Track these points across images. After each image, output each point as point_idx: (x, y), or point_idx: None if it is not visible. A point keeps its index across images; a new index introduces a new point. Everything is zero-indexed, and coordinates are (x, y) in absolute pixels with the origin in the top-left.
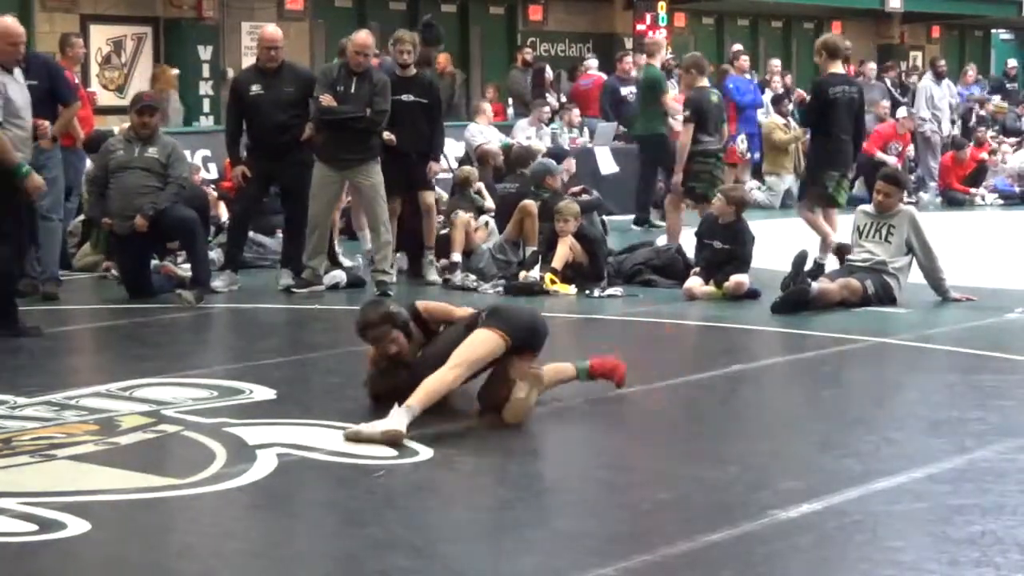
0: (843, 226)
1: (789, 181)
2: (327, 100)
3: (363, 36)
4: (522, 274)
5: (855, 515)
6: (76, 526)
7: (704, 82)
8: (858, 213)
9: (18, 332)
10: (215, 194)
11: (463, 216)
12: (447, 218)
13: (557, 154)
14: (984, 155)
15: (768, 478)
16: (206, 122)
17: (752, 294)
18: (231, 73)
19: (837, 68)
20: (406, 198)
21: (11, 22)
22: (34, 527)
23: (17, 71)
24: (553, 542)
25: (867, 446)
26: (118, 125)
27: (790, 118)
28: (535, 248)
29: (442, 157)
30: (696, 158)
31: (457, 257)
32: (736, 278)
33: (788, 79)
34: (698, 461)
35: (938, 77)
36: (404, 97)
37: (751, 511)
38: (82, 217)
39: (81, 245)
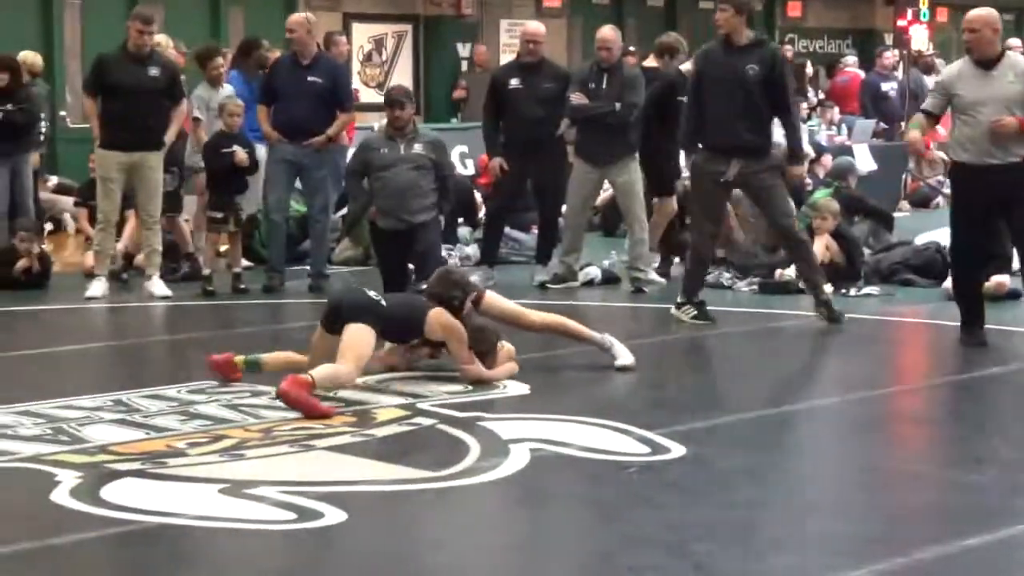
0: None
1: None
2: (577, 98)
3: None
4: (777, 272)
5: None
6: (333, 515)
7: None
8: None
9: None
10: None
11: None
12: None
13: (816, 150)
14: None
15: None
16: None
17: (1013, 295)
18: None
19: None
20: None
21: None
22: (293, 515)
23: None
24: (804, 542)
25: None
26: (377, 121)
27: None
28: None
29: None
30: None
31: None
32: (997, 278)
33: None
34: (956, 463)
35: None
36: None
37: (1010, 516)
38: (343, 212)
39: (340, 240)
